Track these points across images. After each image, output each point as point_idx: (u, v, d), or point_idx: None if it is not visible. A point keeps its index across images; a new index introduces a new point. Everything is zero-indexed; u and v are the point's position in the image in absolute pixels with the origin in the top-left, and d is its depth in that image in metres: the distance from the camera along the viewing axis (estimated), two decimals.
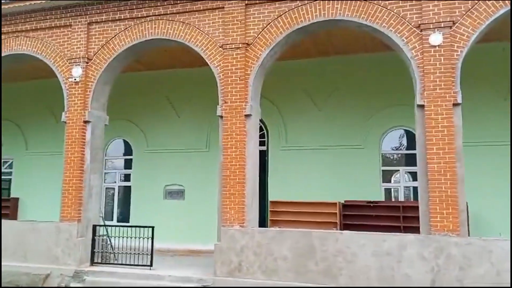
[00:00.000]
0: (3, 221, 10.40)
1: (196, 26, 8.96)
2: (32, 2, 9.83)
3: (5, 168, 15.00)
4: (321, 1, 8.27)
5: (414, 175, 10.72)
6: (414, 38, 7.71)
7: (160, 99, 13.02)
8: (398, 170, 11.26)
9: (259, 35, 8.58)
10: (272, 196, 11.22)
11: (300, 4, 8.41)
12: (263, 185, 10.93)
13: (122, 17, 9.49)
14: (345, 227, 9.74)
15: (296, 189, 11.19)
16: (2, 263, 9.32)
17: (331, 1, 8.21)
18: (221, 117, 8.61)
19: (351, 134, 11.28)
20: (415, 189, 10.65)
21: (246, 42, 8.60)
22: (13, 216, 13.70)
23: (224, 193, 8.38)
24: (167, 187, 12.83)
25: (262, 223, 10.17)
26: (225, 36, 8.73)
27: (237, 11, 8.72)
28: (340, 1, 8.15)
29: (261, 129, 11.35)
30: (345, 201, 10.29)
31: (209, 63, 8.83)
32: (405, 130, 11.24)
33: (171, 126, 12.91)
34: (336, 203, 9.97)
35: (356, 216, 10.00)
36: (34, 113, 14.24)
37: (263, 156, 11.38)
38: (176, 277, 8.41)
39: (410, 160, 10.91)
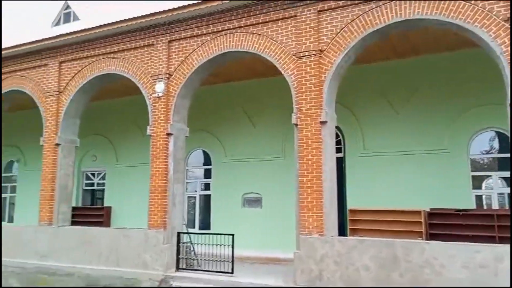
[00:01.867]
0: (98, 228, 11.27)
1: (269, 36, 9.05)
2: (120, 25, 10.59)
3: (99, 179, 16.27)
4: (398, 1, 7.93)
5: (509, 181, 9.79)
6: (503, 33, 7.08)
7: (236, 110, 13.30)
8: (490, 176, 10.35)
9: (333, 41, 8.43)
10: (350, 204, 10.89)
11: (374, 6, 8.14)
12: (341, 193, 10.66)
13: (199, 33, 9.86)
14: (431, 237, 9.12)
15: (375, 197, 10.74)
16: (99, 267, 10.05)
17: (408, 1, 7.84)
18: (296, 125, 8.56)
19: (434, 138, 10.61)
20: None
21: (320, 48, 8.49)
22: (106, 223, 14.74)
23: (302, 201, 8.29)
24: (245, 195, 13.00)
25: (341, 231, 9.90)
26: (298, 44, 8.70)
27: (309, 19, 8.66)
28: (418, 0, 7.75)
29: (337, 135, 11.11)
30: (430, 209, 9.65)
31: (282, 72, 8.85)
32: (497, 132, 10.32)
33: (248, 136, 13.12)
34: (420, 211, 9.38)
35: (443, 225, 9.31)
36: (122, 127, 15.26)
37: (340, 163, 11.11)
38: (256, 284, 8.45)
39: (504, 164, 9.99)
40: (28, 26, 16.65)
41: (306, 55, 8.57)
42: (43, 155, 11.57)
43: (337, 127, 9.21)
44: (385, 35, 8.42)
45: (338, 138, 11.62)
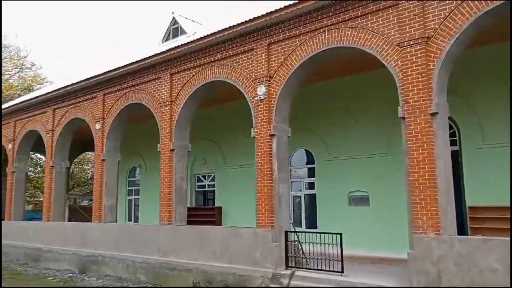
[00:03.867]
0: (211, 227, 11.87)
1: (369, 29, 8.67)
2: (221, 35, 11.04)
3: (209, 181, 17.18)
4: None
5: None
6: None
7: (337, 106, 13.04)
8: None
9: (441, 26, 7.77)
10: (470, 201, 9.94)
11: None
12: (458, 189, 9.78)
13: (297, 33, 9.84)
14: None
15: (499, 193, 9.64)
16: (214, 263, 10.58)
17: None
18: (403, 118, 8.06)
19: None
20: None
21: (426, 36, 7.90)
22: (218, 222, 15.52)
23: (414, 199, 7.77)
24: (350, 193, 12.70)
25: (460, 231, 9.08)
26: (401, 33, 8.19)
27: (413, 5, 8.11)
28: None
29: (450, 127, 10.25)
30: None
31: (385, 64, 8.42)
32: None
33: (350, 132, 12.77)
34: None
35: None
36: (228, 131, 15.92)
37: (455, 157, 10.22)
38: (370, 285, 8.13)
39: None
40: (140, 43, 18.26)
41: (411, 44, 8.04)
42: (161, 160, 12.54)
43: (450, 118, 8.47)
44: (502, 15, 7.51)
45: (452, 130, 10.70)
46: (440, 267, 7.31)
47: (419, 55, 7.93)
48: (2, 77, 31.72)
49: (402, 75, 8.12)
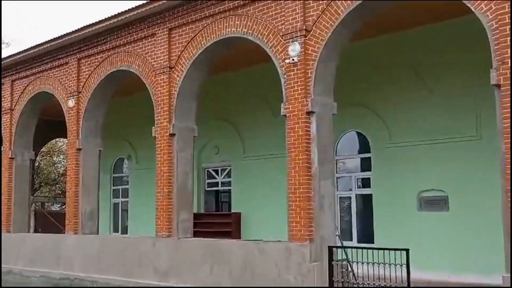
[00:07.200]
0: (227, 240, 11.99)
1: None
2: None
3: (223, 178, 17.24)
4: None
5: None
6: None
7: (402, 70, 12.89)
8: None
9: None
10: None
11: None
12: None
13: None
14: None
15: None
16: None
17: None
18: (498, 86, 7.89)
19: None
20: None
21: None
22: (236, 234, 15.61)
23: None
24: (422, 193, 12.59)
25: None
26: None
27: None
28: None
29: None
30: None
31: (475, 12, 8.19)
32: None
33: (422, 107, 12.59)
34: None
35: None
36: (249, 108, 15.97)
37: None
38: None
39: None
40: None
41: None
42: (157, 149, 12.67)
43: None
44: None
45: None
46: None
47: None
48: None
49: (497, 24, 7.90)
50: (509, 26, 7.77)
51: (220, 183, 17.45)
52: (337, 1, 9.77)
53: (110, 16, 13.76)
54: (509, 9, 7.79)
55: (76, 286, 13.78)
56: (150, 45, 13.12)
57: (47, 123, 20.18)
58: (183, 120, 12.55)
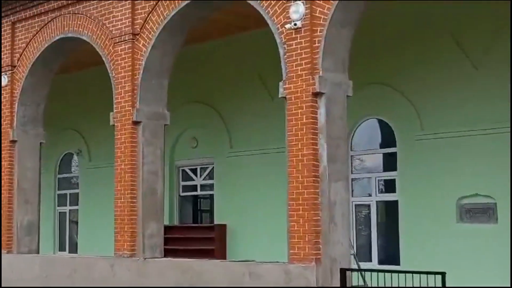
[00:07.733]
0: (208, 261, 11.98)
1: None
2: None
3: (204, 179, 17.20)
4: None
5: None
6: None
7: (439, 41, 12.89)
8: None
9: None
10: None
11: None
12: None
13: None
14: None
15: None
16: None
17: None
18: None
19: None
20: None
21: None
22: (220, 252, 15.66)
23: None
24: (461, 200, 12.65)
25: None
26: None
27: None
28: None
29: None
30: None
31: None
32: None
33: (463, 88, 12.63)
34: None
35: None
36: (238, 87, 15.95)
37: None
38: None
39: None
40: None
41: None
42: (116, 142, 12.64)
43: None
44: None
45: None
46: None
47: None
48: None
49: None
50: None
51: (199, 187, 17.47)
52: None
53: None
54: None
55: None
56: (107, 4, 13.02)
57: None
58: (151, 104, 12.51)
